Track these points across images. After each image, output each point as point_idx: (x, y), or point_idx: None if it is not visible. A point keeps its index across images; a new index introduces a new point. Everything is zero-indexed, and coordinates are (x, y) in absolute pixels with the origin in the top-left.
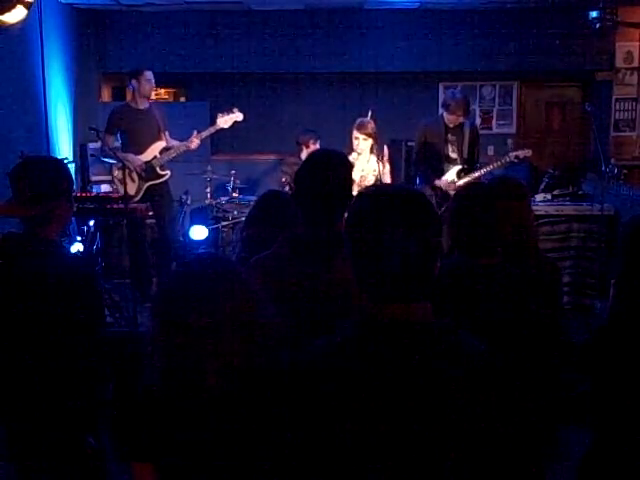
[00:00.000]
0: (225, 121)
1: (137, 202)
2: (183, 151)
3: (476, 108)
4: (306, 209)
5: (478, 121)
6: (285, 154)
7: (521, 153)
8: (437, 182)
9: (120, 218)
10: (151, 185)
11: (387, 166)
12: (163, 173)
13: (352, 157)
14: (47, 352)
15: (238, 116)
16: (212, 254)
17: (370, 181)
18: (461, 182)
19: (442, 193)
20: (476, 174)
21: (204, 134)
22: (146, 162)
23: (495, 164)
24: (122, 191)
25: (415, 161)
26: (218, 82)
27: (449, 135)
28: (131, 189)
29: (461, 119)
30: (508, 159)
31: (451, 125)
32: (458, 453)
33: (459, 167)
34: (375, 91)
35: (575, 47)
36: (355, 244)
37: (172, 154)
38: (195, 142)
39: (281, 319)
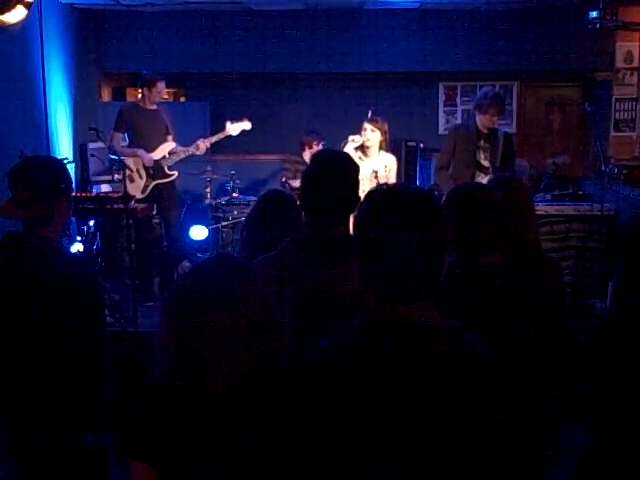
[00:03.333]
0: (234, 128)
1: (143, 200)
2: (189, 155)
3: None
4: (310, 211)
5: None
6: (285, 154)
7: (559, 160)
8: None
9: (120, 218)
10: (158, 184)
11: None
12: (171, 173)
13: (351, 139)
14: (47, 352)
15: (247, 125)
16: (228, 256)
17: (382, 177)
18: None
19: None
20: None
21: (213, 139)
22: (155, 161)
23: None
24: (128, 190)
25: (437, 166)
26: (218, 82)
27: (481, 141)
28: (138, 187)
29: (495, 119)
30: (545, 167)
31: (484, 130)
32: (460, 453)
33: (491, 176)
34: (375, 91)
35: (575, 47)
36: (361, 243)
37: (180, 156)
38: (202, 147)
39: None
